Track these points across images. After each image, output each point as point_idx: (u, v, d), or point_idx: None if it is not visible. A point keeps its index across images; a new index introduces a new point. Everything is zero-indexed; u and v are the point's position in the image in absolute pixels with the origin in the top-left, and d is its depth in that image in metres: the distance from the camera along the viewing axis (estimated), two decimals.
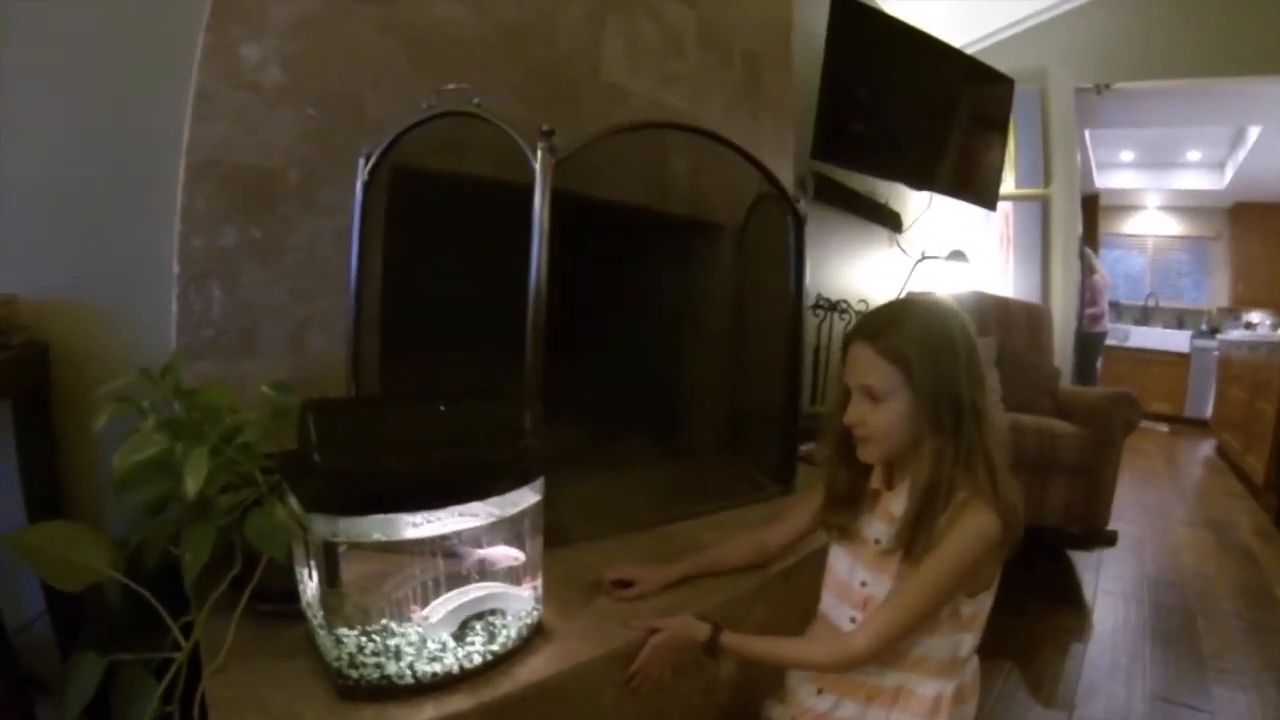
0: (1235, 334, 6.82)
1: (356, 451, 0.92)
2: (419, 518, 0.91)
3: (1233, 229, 8.19)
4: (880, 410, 1.05)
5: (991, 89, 3.87)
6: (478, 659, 0.99)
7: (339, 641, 0.91)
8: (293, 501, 0.92)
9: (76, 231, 1.42)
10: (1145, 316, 8.46)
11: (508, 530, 1.06)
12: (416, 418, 1.03)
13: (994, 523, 0.99)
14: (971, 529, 0.99)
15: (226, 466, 0.95)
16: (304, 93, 1.41)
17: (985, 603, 1.08)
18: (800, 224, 1.98)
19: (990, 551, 1.01)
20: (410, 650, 0.94)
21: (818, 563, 1.32)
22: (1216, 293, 8.38)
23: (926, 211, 3.99)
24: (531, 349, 1.34)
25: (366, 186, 1.45)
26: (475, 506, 0.97)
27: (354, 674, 0.91)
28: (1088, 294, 6.26)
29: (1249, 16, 4.01)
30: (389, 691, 0.92)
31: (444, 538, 0.97)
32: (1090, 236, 7.71)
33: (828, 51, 2.95)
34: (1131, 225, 8.72)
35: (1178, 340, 8.02)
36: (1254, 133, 6.16)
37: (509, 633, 1.05)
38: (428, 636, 0.96)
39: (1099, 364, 6.65)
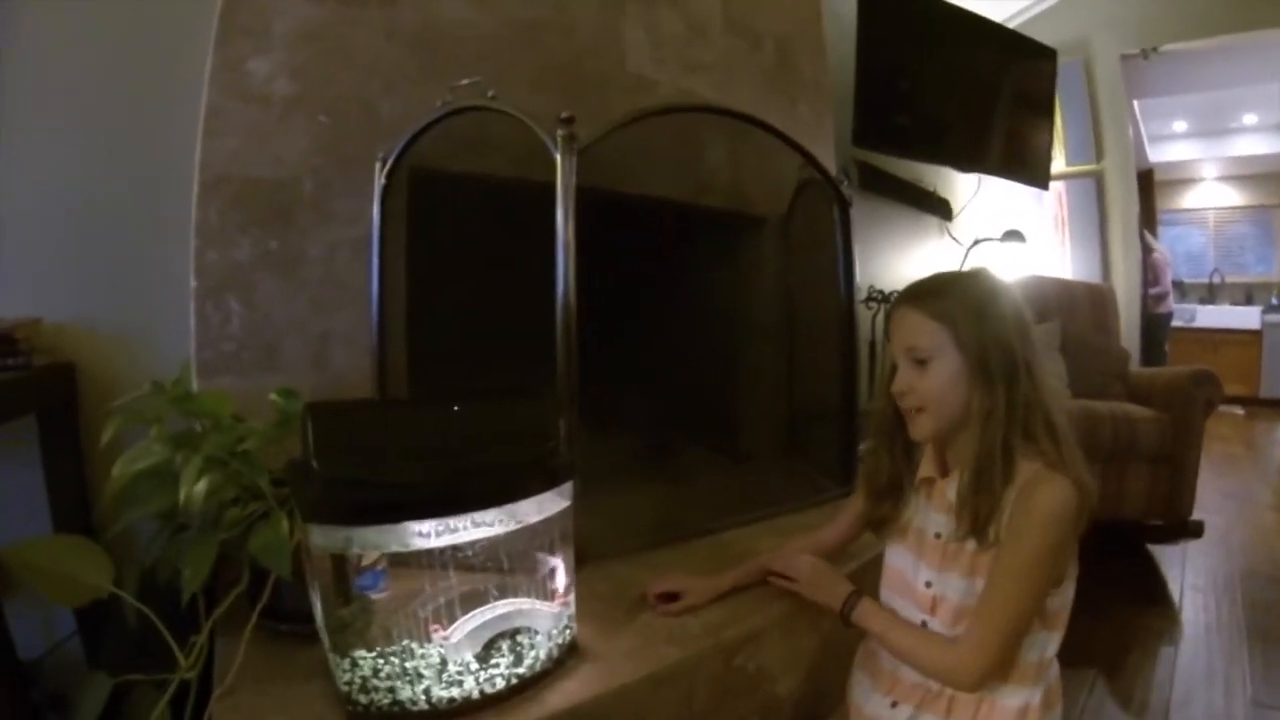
0: None
1: (358, 457, 0.85)
2: (429, 526, 0.82)
3: None
4: (928, 374, 0.99)
5: (1033, 62, 3.73)
6: (501, 683, 0.90)
7: (354, 664, 0.83)
8: (299, 516, 0.85)
9: (96, 254, 1.49)
10: (1211, 294, 8.05)
11: (533, 540, 0.96)
12: (427, 420, 0.95)
13: (1071, 493, 0.91)
14: (1051, 503, 0.91)
15: (232, 478, 0.89)
16: (314, 103, 1.40)
17: (1069, 592, 0.99)
18: (846, 209, 1.88)
19: (1073, 527, 0.93)
20: (428, 674, 0.85)
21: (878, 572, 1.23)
22: None
23: (975, 196, 3.85)
24: (563, 353, 1.28)
25: (384, 191, 1.42)
26: (493, 514, 0.88)
27: (364, 699, 0.83)
28: (1150, 273, 6.01)
29: None
30: (402, 718, 0.84)
31: (460, 549, 0.88)
32: (1147, 215, 7.38)
33: (860, 32, 2.86)
34: (1190, 199, 8.31)
35: (1247, 317, 7.61)
36: None
37: (538, 653, 0.95)
38: (448, 658, 0.87)
39: (1167, 347, 6.36)
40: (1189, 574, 2.68)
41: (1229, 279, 8.12)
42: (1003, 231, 3.63)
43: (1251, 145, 7.51)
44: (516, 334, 1.43)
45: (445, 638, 0.88)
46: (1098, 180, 4.37)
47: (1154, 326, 6.05)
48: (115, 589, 0.91)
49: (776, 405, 2.21)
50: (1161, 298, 6.17)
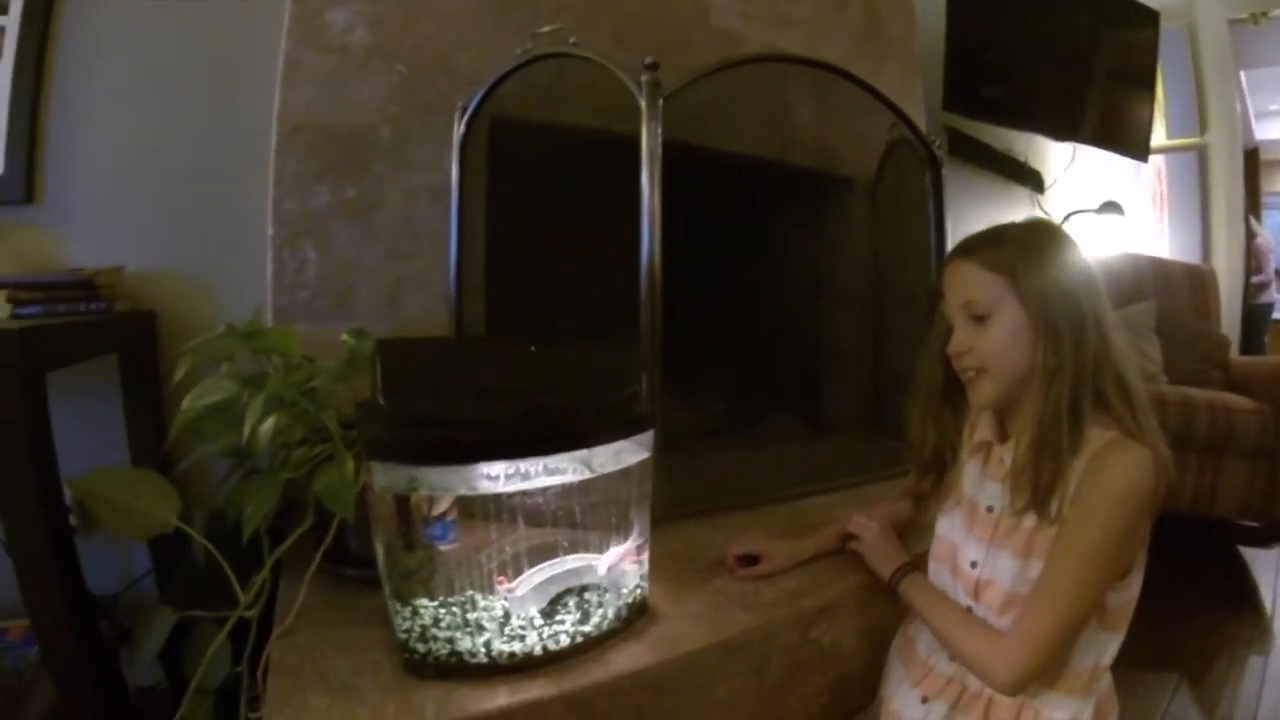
0: None
1: (428, 395, 0.80)
2: (498, 469, 0.77)
3: None
4: (987, 330, 0.88)
5: (1134, 26, 3.50)
6: (565, 640, 0.84)
7: (415, 612, 0.79)
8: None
9: (178, 204, 1.52)
10: None
11: (608, 492, 0.90)
12: (502, 360, 0.90)
13: (1149, 465, 0.80)
14: (1126, 476, 0.80)
15: (300, 418, 0.86)
16: (392, 53, 1.39)
17: (1135, 587, 0.87)
18: (939, 171, 1.78)
19: (1147, 505, 0.81)
20: (490, 626, 0.81)
21: None
22: None
23: (1070, 168, 3.64)
24: (646, 312, 1.22)
25: (464, 140, 1.40)
26: (567, 460, 0.82)
27: (421, 648, 0.79)
28: (1251, 259, 5.63)
29: None
30: (460, 670, 0.79)
31: (530, 496, 0.82)
32: (1250, 196, 6.91)
33: None
34: None
35: None
36: None
37: (605, 612, 0.89)
38: (512, 612, 0.83)
39: (1267, 339, 5.97)
40: None
41: None
42: (1100, 203, 3.43)
43: None
44: (597, 289, 1.38)
45: (511, 590, 0.83)
46: (1200, 155, 4.09)
47: (1254, 316, 5.67)
48: (181, 525, 0.89)
49: (860, 374, 2.13)
50: (1264, 286, 5.77)
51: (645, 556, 0.95)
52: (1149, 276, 3.12)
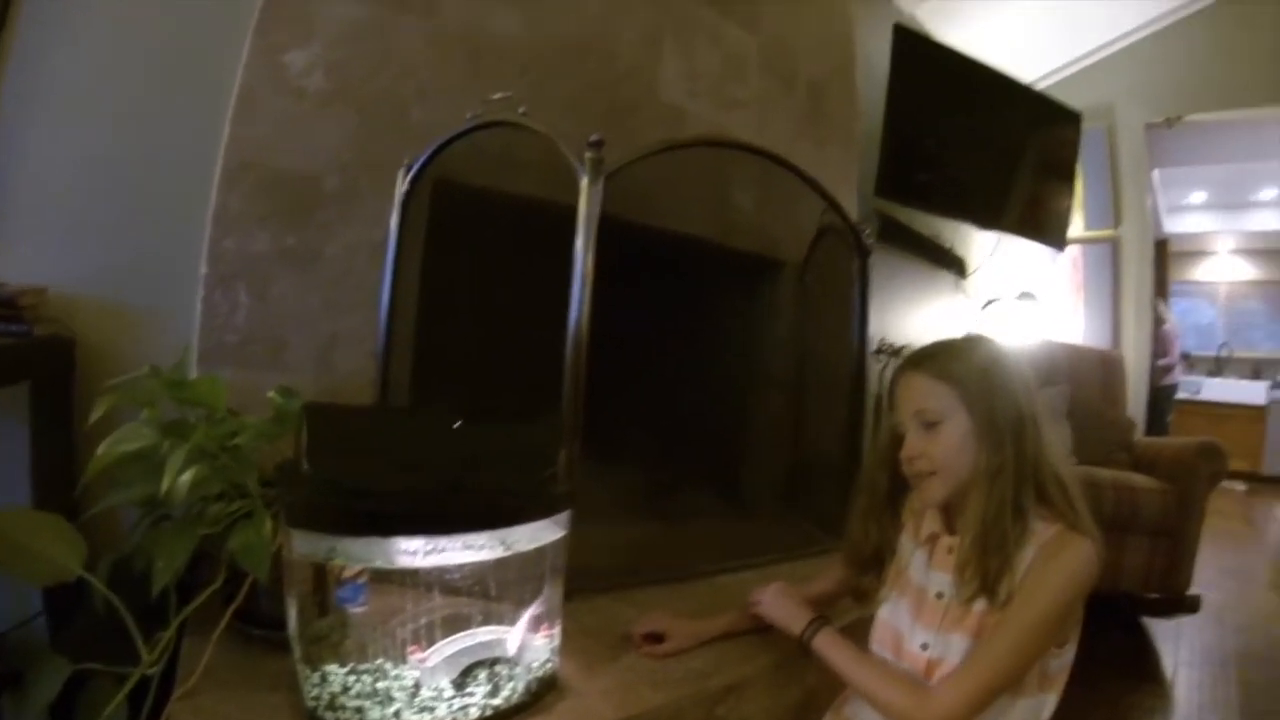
0: None
1: (351, 463, 0.81)
2: (418, 545, 0.78)
3: None
4: (938, 436, 0.97)
5: (1057, 124, 3.76)
6: (474, 713, 0.85)
7: (324, 679, 0.79)
8: (284, 520, 0.81)
9: (111, 230, 1.43)
10: (1218, 368, 8.07)
11: (523, 568, 0.92)
12: (427, 434, 0.92)
13: (1090, 557, 0.89)
14: (1067, 565, 0.89)
15: (220, 473, 0.86)
16: (348, 100, 1.39)
17: (1071, 654, 0.95)
18: (866, 258, 1.87)
19: (1087, 589, 0.91)
20: (400, 696, 0.81)
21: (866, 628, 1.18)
22: None
23: (993, 255, 3.87)
24: (570, 380, 1.25)
25: (406, 198, 1.41)
26: (485, 538, 0.84)
27: (330, 717, 0.79)
28: (1159, 344, 6.01)
29: None
30: None
31: (447, 570, 0.84)
32: (1159, 284, 7.41)
33: (891, 82, 2.87)
34: (1202, 271, 8.36)
35: (1253, 392, 7.63)
36: None
37: (516, 686, 0.91)
38: (423, 682, 0.83)
39: (1170, 418, 6.33)
40: (1183, 650, 2.63)
41: (1237, 353, 8.14)
42: (1018, 292, 3.64)
43: (1268, 220, 7.58)
44: (524, 356, 1.41)
45: (422, 660, 0.84)
46: (1114, 246, 4.40)
47: (1159, 397, 6.05)
48: (84, 573, 0.87)
49: (781, 454, 2.19)
50: (1169, 369, 6.19)
51: (557, 631, 0.98)
52: (1063, 362, 3.31)
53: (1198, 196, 7.48)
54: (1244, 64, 4.00)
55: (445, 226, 1.48)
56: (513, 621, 0.93)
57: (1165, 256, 7.75)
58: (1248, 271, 8.24)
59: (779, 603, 1.13)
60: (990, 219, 3.52)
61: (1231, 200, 7.49)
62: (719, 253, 2.00)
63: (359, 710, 0.79)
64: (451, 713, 0.83)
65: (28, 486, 1.32)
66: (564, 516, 0.94)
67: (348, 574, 0.87)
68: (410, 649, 0.84)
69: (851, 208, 2.42)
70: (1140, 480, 2.68)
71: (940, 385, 0.97)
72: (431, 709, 0.82)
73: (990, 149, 3.42)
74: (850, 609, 1.23)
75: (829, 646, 1.02)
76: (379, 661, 0.83)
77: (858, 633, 1.08)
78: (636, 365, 1.95)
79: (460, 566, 0.86)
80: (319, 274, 1.36)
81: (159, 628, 0.87)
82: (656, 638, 1.17)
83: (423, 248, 1.47)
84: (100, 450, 0.89)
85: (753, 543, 1.77)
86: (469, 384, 1.55)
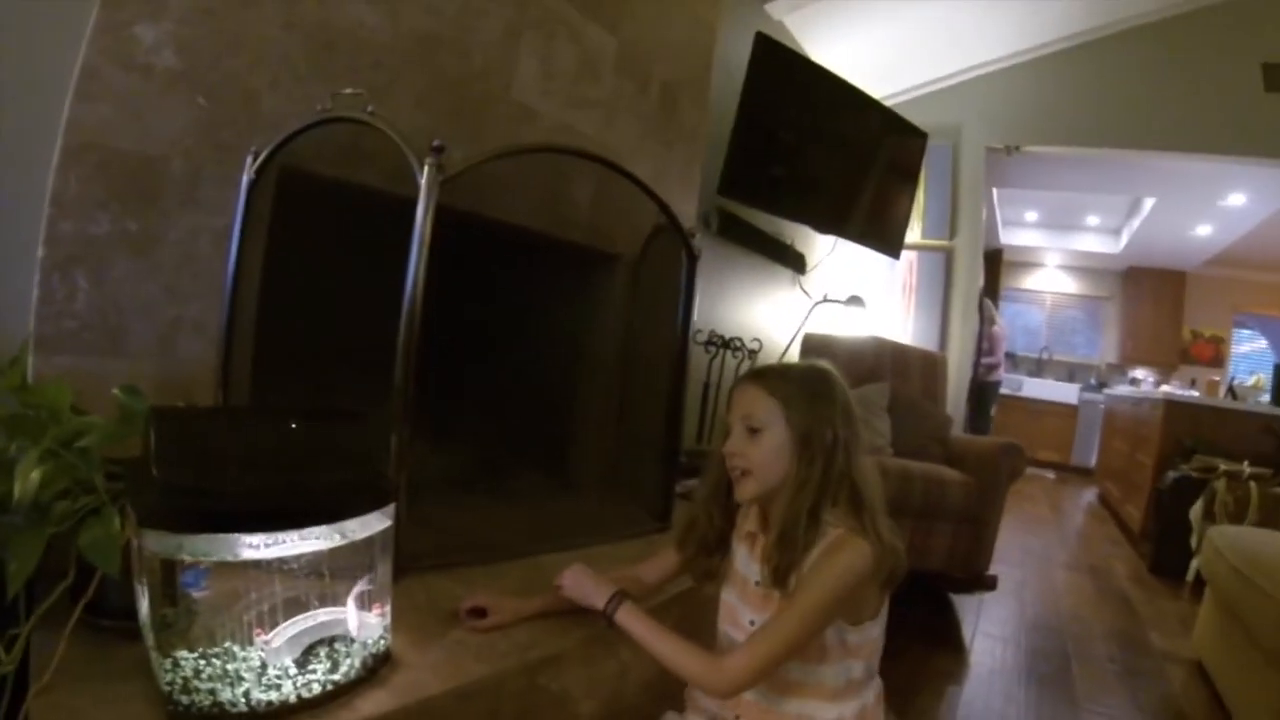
0: (1121, 389, 7.37)
1: (198, 466, 0.90)
2: (259, 539, 0.89)
3: (1125, 291, 8.97)
4: (757, 442, 1.15)
5: (904, 141, 4.04)
6: (318, 688, 0.97)
7: (175, 665, 0.88)
8: (131, 515, 0.88)
9: None
10: (1039, 368, 9.06)
11: (355, 555, 1.04)
12: (266, 435, 1.01)
13: (865, 556, 1.06)
14: (842, 561, 1.06)
15: (65, 470, 0.90)
16: (197, 82, 1.37)
17: (872, 631, 1.15)
18: (693, 261, 2.02)
19: (862, 583, 1.08)
20: (249, 677, 0.92)
21: (684, 605, 1.40)
22: (1107, 349, 9.12)
23: (831, 254, 4.14)
24: (401, 367, 1.34)
25: (252, 186, 1.42)
26: (321, 530, 0.95)
27: (185, 700, 0.88)
28: (987, 344, 6.63)
29: (1148, 97, 4.44)
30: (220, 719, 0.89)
31: (287, 560, 0.95)
32: (992, 290, 8.21)
33: (746, 88, 3.04)
34: (1032, 281, 9.37)
35: (1067, 392, 8.65)
36: (1149, 203, 6.77)
37: (353, 662, 1.03)
38: (268, 662, 0.94)
39: (993, 412, 7.02)
40: (983, 622, 3.00)
41: (1057, 356, 9.16)
42: (847, 296, 3.93)
43: (1090, 243, 8.57)
44: (364, 343, 1.47)
45: (266, 642, 0.94)
46: (948, 256, 4.82)
47: (985, 393, 6.70)
48: None
49: (605, 438, 2.32)
50: (994, 367, 6.83)
51: (388, 609, 1.11)
52: (889, 359, 3.60)
53: (1031, 215, 8.33)
54: (1079, 108, 4.56)
55: (290, 215, 1.49)
56: (348, 602, 1.04)
57: (999, 264, 8.62)
58: (1071, 286, 9.33)
59: (579, 582, 1.28)
60: (831, 225, 3.74)
61: (1061, 222, 8.39)
62: (555, 245, 2.11)
63: (211, 692, 0.89)
64: (296, 689, 0.95)
65: None
66: (390, 508, 1.06)
67: (190, 561, 0.94)
68: (255, 632, 0.94)
69: (691, 205, 2.59)
70: (948, 473, 2.99)
71: (769, 399, 1.15)
72: (278, 686, 0.93)
73: (837, 158, 3.62)
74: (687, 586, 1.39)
75: (630, 620, 1.18)
76: (227, 645, 0.92)
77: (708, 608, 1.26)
78: (472, 351, 2.07)
79: (299, 556, 0.96)
80: (161, 259, 1.35)
81: (8, 626, 0.91)
82: (481, 612, 1.30)
83: (267, 235, 1.48)
84: None
85: (577, 524, 1.92)
86: (310, 370, 1.62)
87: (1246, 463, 3.98)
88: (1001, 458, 3.01)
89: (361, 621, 1.06)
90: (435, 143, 1.35)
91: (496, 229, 1.87)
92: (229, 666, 0.91)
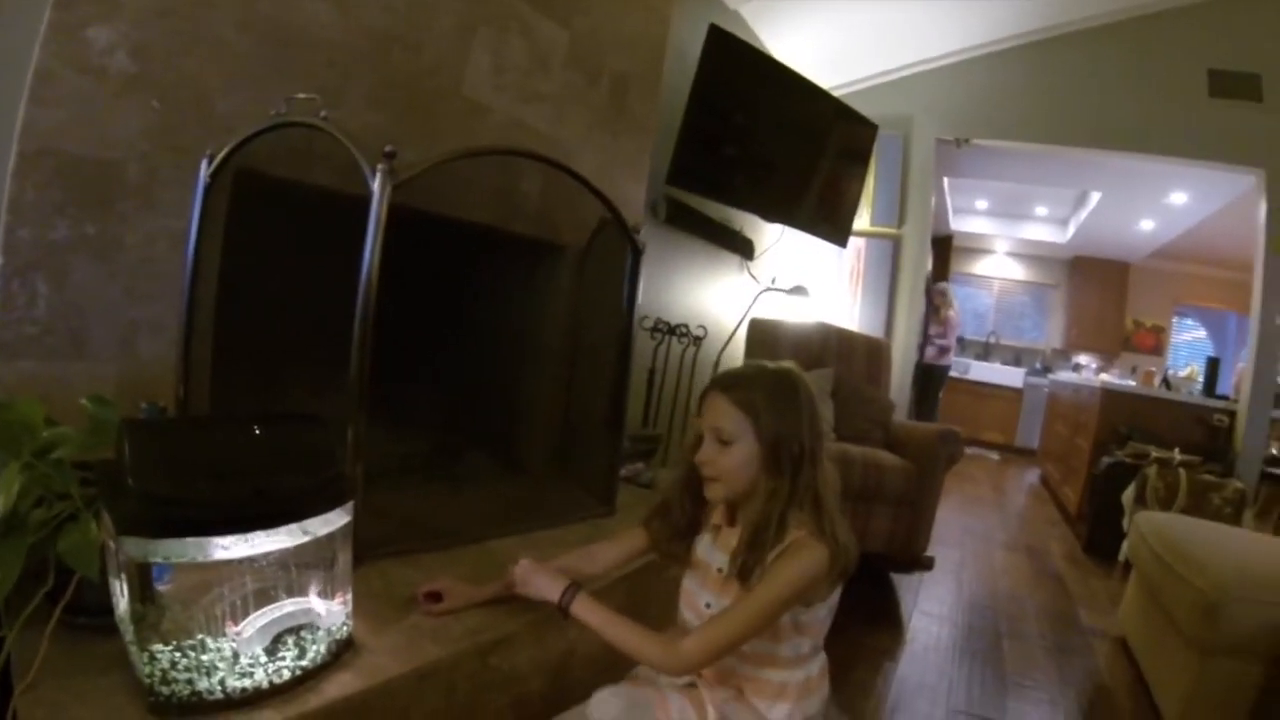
0: (1064, 375, 7.71)
1: (171, 476, 0.98)
2: (229, 541, 0.98)
3: (1071, 279, 9.34)
4: (728, 453, 1.24)
5: (854, 133, 4.16)
6: (287, 674, 1.07)
7: (152, 658, 0.96)
8: (106, 520, 0.96)
9: None
10: (986, 352, 9.40)
11: (318, 549, 1.13)
12: (231, 442, 1.10)
13: (821, 557, 1.17)
14: (800, 561, 1.17)
15: (39, 481, 0.96)
16: (151, 85, 1.39)
17: (821, 612, 1.28)
18: (638, 255, 2.12)
19: (816, 580, 1.19)
20: (222, 666, 1.01)
21: (628, 588, 1.51)
22: (1052, 335, 9.48)
23: (780, 240, 4.24)
24: (356, 365, 1.40)
25: (208, 188, 1.46)
26: (286, 530, 1.05)
27: (165, 690, 0.97)
28: (941, 328, 6.87)
29: (1097, 97, 4.62)
30: (199, 707, 0.98)
31: (255, 558, 1.04)
32: (942, 274, 8.50)
33: (697, 80, 3.12)
34: (981, 267, 9.69)
35: (1013, 376, 9.01)
36: (1095, 197, 7.06)
37: (319, 648, 1.13)
38: (240, 652, 1.03)
39: (941, 394, 7.27)
40: (922, 600, 3.19)
41: (1004, 341, 9.48)
42: (791, 285, 4.02)
43: (1039, 232, 8.89)
44: (318, 338, 1.54)
45: (237, 633, 1.04)
46: (896, 244, 4.97)
47: (933, 375, 6.94)
48: None
49: (551, 423, 2.42)
50: (945, 351, 7.05)
51: (349, 597, 1.21)
52: (834, 345, 3.72)
53: (982, 204, 8.59)
54: (1029, 105, 4.73)
55: (246, 215, 1.54)
56: (312, 593, 1.15)
57: (950, 250, 8.91)
58: (1019, 272, 9.68)
59: (532, 580, 1.36)
60: (779, 213, 3.85)
61: (1010, 211, 8.68)
62: (504, 237, 2.18)
63: (189, 681, 0.98)
64: (268, 675, 1.05)
65: None
66: (349, 505, 1.17)
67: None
68: (226, 624, 1.03)
69: (640, 195, 2.67)
70: (887, 458, 3.13)
71: (739, 413, 1.22)
72: (250, 674, 1.03)
73: (787, 149, 3.72)
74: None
75: (585, 610, 1.28)
76: (200, 637, 1.00)
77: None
78: (423, 341, 2.14)
79: (266, 554, 1.06)
80: (119, 262, 1.39)
81: None
82: (437, 597, 1.41)
83: (223, 236, 1.52)
84: None
85: (525, 509, 2.02)
86: (267, 366, 1.69)
87: (1177, 450, 4.24)
88: (939, 445, 3.15)
89: (325, 610, 1.16)
90: (387, 149, 1.40)
91: (447, 223, 1.93)
92: (203, 658, 1.00)
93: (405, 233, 1.43)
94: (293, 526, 1.06)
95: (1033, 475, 7.33)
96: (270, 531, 1.02)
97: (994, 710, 2.27)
